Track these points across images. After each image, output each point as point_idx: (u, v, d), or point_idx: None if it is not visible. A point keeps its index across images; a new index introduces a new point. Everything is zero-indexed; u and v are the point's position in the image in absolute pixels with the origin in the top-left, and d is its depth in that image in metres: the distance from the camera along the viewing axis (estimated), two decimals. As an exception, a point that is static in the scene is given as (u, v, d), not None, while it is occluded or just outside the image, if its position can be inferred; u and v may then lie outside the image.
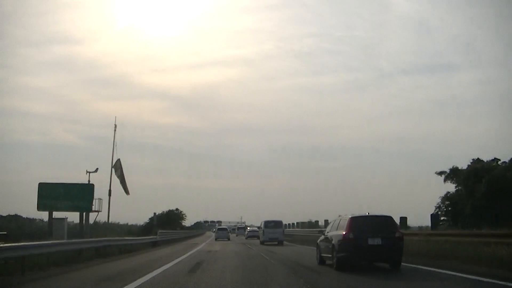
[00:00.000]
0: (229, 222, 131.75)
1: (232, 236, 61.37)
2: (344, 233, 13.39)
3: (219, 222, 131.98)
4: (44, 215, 42.16)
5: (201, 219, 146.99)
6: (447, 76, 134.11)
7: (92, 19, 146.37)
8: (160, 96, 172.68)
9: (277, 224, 37.90)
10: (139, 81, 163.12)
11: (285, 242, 36.78)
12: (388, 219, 13.99)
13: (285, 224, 51.77)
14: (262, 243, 36.40)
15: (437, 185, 44.32)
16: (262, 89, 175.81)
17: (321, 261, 15.43)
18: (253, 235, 48.58)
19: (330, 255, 14.16)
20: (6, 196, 78.34)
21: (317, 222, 51.00)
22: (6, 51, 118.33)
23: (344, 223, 13.80)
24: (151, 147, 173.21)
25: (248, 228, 60.11)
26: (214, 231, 67.31)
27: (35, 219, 50.04)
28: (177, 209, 71.86)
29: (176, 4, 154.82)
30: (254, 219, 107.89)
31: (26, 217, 48.88)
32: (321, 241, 15.93)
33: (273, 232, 36.66)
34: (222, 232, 53.01)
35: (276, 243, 35.56)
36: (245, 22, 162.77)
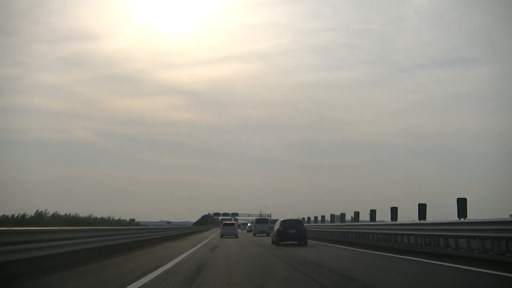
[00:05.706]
0: (249, 215, 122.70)
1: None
2: (278, 227, 27.94)
3: (235, 215, 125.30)
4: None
5: (217, 212, 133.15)
6: (466, 70, 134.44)
7: (108, 15, 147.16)
8: (176, 92, 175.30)
9: (265, 220, 54.15)
10: (155, 78, 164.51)
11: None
12: (299, 220, 28.76)
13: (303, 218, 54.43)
14: (254, 235, 50.34)
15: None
16: (279, 84, 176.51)
17: (272, 241, 29.62)
18: (251, 229, 63.46)
19: (274, 238, 28.69)
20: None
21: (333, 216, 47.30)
22: (21, 48, 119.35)
23: (279, 222, 28.39)
24: (167, 144, 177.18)
25: (249, 224, 76.04)
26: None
27: None
28: None
29: None
30: (271, 214, 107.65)
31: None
32: (272, 231, 30.47)
33: (262, 226, 51.27)
34: (229, 228, 47.56)
35: (265, 234, 48.76)
36: (261, 17, 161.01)
